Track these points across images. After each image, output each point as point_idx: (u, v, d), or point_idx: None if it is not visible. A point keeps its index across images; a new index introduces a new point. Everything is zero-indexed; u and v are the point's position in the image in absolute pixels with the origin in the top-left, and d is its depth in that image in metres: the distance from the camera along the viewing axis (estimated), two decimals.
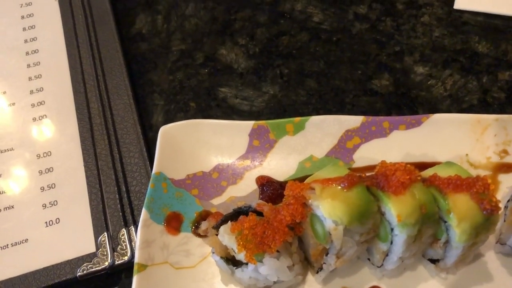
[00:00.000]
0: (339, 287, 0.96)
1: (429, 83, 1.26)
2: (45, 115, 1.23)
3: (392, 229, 0.86)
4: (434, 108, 1.22)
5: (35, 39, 1.36)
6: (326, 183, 0.87)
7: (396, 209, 0.84)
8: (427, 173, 0.91)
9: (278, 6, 1.46)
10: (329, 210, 0.84)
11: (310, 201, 0.88)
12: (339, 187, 0.86)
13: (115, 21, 1.39)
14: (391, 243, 0.87)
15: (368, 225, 0.86)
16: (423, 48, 1.33)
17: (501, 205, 0.98)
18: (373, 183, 0.87)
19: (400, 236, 0.85)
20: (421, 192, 0.85)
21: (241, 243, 0.88)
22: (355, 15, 1.42)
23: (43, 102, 1.25)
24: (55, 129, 1.21)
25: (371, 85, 1.28)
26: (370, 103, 1.25)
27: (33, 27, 1.39)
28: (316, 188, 0.88)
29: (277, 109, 1.27)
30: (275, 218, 0.90)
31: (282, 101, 1.28)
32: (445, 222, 0.86)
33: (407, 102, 1.24)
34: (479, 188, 0.84)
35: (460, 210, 0.84)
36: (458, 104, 1.23)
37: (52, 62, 1.32)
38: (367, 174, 0.92)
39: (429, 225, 0.86)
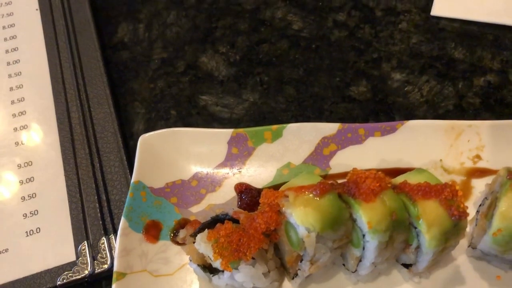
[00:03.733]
0: None
1: (406, 89, 1.29)
2: (26, 125, 1.24)
3: (364, 235, 0.88)
4: (410, 114, 1.24)
5: (16, 49, 1.37)
6: (299, 191, 0.89)
7: (366, 216, 0.85)
8: (398, 180, 0.93)
9: (259, 14, 1.48)
10: (302, 217, 0.86)
11: (283, 208, 0.90)
12: (311, 195, 0.88)
13: (96, 30, 1.41)
14: (364, 249, 0.89)
15: (340, 232, 0.88)
16: (400, 55, 1.35)
17: (474, 209, 1.01)
18: (344, 190, 0.89)
19: (372, 242, 0.86)
20: (391, 199, 0.87)
21: (217, 250, 0.90)
22: (334, 22, 1.44)
23: (24, 112, 1.26)
24: (36, 139, 1.22)
25: (349, 92, 1.30)
26: (348, 110, 1.27)
27: (14, 37, 1.40)
28: (290, 196, 0.89)
29: (257, 117, 1.28)
30: (250, 226, 0.92)
31: (262, 108, 1.30)
32: (416, 228, 0.88)
33: (384, 109, 1.26)
34: (447, 195, 0.86)
35: (429, 217, 0.85)
36: (434, 109, 1.25)
37: (33, 72, 1.33)
38: (340, 181, 0.94)
39: (400, 231, 0.88)
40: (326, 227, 0.86)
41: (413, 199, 0.87)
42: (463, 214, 0.85)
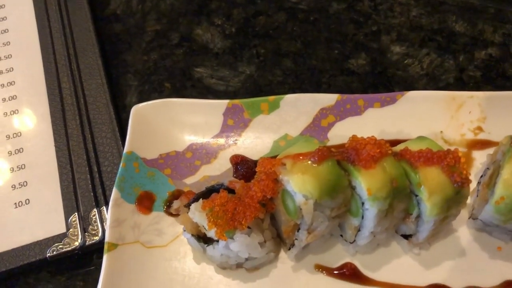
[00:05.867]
0: (312, 264, 0.95)
1: (405, 62, 1.26)
2: (15, 95, 1.20)
3: (363, 203, 0.85)
4: (410, 87, 1.21)
5: (5, 18, 1.33)
6: (297, 158, 0.86)
7: (366, 183, 0.83)
8: (399, 147, 0.90)
9: None
10: (299, 184, 0.83)
11: (281, 176, 0.87)
12: (309, 162, 0.85)
13: (88, 1, 1.36)
14: (363, 217, 0.87)
15: (338, 200, 0.85)
16: (400, 28, 1.32)
17: (475, 181, 0.99)
18: (343, 157, 0.86)
19: (371, 210, 0.84)
20: (392, 166, 0.84)
21: (212, 219, 0.87)
22: None
23: (13, 83, 1.22)
24: (26, 110, 1.18)
25: (347, 64, 1.27)
26: (346, 83, 1.24)
27: (3, 6, 1.35)
28: (287, 163, 0.86)
29: (253, 89, 1.25)
30: (246, 195, 0.89)
31: (258, 81, 1.26)
32: (416, 196, 0.86)
33: (384, 81, 1.23)
34: (449, 161, 0.83)
35: (430, 184, 0.83)
36: (434, 82, 1.22)
37: (23, 42, 1.29)
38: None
39: (400, 199, 0.85)
40: (324, 194, 0.83)
41: (415, 166, 0.85)
42: (466, 180, 0.83)
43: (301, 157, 0.86)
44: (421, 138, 0.91)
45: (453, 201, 0.84)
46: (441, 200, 0.83)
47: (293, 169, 0.85)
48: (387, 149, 0.85)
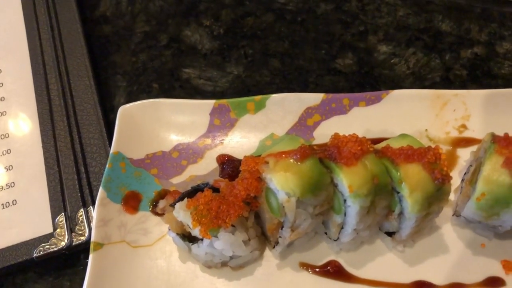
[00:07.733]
0: (297, 262, 0.95)
1: (392, 61, 1.26)
2: (3, 97, 1.21)
3: (345, 201, 0.86)
4: (396, 86, 1.22)
5: None
6: (279, 156, 0.87)
7: (347, 180, 0.83)
8: (381, 145, 0.91)
9: None
10: (282, 182, 0.84)
11: (264, 174, 0.87)
12: (292, 160, 0.85)
13: (77, 2, 1.37)
14: (345, 215, 0.87)
15: (321, 197, 0.85)
16: (387, 27, 1.33)
17: (459, 179, 0.99)
18: (326, 155, 0.87)
19: (353, 207, 0.84)
20: (373, 163, 0.85)
21: (196, 218, 0.88)
22: None
23: (1, 84, 1.22)
24: (13, 111, 1.18)
25: (334, 64, 1.28)
26: (333, 82, 1.24)
27: None
28: (270, 161, 0.87)
29: (241, 89, 1.26)
30: (230, 193, 0.90)
31: (246, 81, 1.27)
32: (398, 193, 0.86)
33: (370, 81, 1.24)
34: (430, 158, 0.84)
35: (411, 180, 0.83)
36: (420, 81, 1.23)
37: (11, 43, 1.29)
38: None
39: (382, 196, 0.86)
40: (306, 191, 0.83)
41: (396, 163, 0.85)
42: (447, 177, 0.83)
43: (283, 155, 0.87)
44: (402, 136, 0.92)
45: (434, 197, 0.84)
46: (422, 196, 0.83)
47: (275, 167, 0.86)
48: (368, 147, 0.86)
